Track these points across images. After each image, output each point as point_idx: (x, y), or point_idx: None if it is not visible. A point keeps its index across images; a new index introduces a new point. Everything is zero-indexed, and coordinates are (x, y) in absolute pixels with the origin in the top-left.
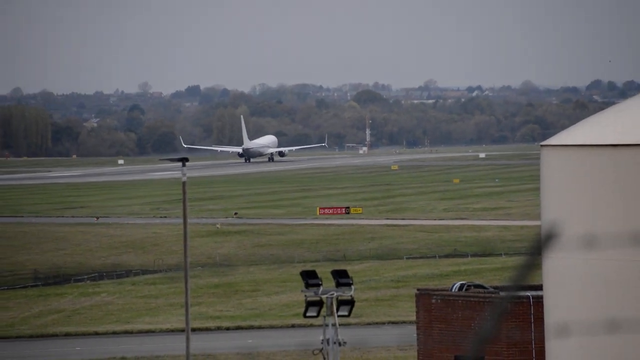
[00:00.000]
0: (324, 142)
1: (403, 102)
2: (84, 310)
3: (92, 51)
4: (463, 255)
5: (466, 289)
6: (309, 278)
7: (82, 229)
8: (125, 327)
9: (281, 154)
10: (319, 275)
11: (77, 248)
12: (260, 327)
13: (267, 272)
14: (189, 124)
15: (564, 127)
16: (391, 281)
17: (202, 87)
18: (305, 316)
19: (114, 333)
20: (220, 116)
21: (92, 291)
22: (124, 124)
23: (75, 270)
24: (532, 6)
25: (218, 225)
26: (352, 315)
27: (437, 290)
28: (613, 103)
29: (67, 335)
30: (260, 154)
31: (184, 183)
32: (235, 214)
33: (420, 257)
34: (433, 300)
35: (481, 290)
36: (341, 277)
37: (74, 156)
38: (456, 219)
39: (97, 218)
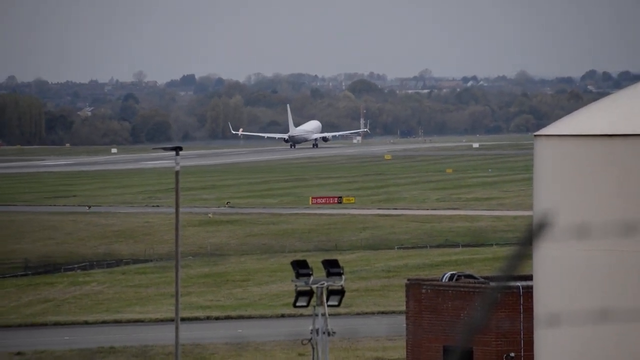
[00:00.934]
0: (366, 128)
1: (398, 92)
2: (74, 299)
3: (86, 40)
4: (454, 245)
5: (456, 279)
6: (300, 268)
7: (73, 218)
8: (115, 317)
9: (325, 139)
10: (310, 265)
11: (68, 237)
12: (250, 317)
13: (258, 262)
14: (183, 113)
15: (558, 118)
16: (382, 271)
17: (197, 77)
18: (295, 306)
19: (104, 322)
20: (214, 105)
21: (83, 280)
22: (118, 112)
23: (65, 260)
24: None
25: (210, 215)
26: (342, 305)
27: (427, 280)
28: (608, 93)
29: (57, 324)
30: (305, 140)
31: (177, 172)
32: (228, 203)
33: (412, 247)
34: (423, 290)
35: (471, 280)
36: (332, 267)
37: (68, 145)
38: (449, 209)
39: (90, 207)
